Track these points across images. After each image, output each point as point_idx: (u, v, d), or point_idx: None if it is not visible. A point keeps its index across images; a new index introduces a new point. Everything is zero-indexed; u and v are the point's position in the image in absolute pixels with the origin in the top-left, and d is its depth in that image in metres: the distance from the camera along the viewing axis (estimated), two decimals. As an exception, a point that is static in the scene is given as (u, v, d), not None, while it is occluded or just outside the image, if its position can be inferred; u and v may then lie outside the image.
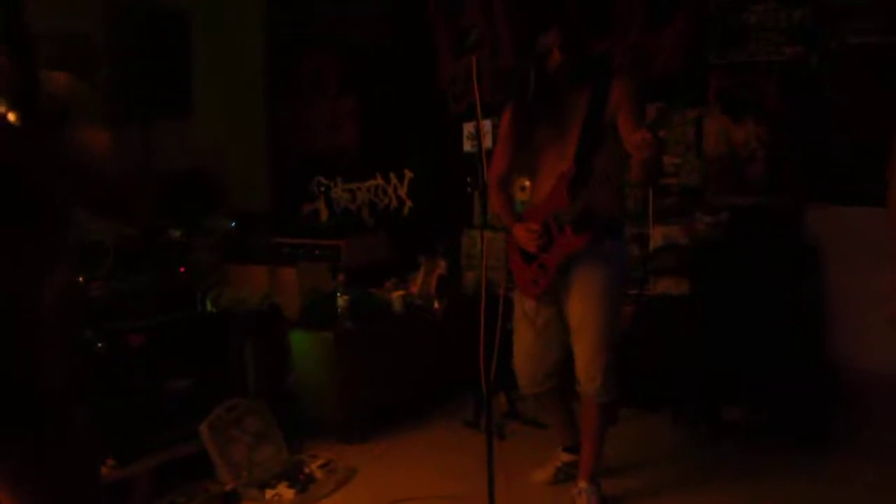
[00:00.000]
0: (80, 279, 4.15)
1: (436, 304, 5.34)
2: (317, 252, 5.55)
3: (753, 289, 4.50)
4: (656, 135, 3.10)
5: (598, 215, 3.53)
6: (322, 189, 6.41)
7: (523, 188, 4.41)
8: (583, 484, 3.78)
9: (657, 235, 5.03)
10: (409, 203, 6.04)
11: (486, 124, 5.18)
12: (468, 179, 4.28)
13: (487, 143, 5.01)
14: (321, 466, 4.26)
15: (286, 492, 3.99)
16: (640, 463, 4.29)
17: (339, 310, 4.87)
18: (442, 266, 5.46)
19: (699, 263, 4.88)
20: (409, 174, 6.01)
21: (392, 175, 6.11)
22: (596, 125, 3.50)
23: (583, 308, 3.61)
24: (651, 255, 5.05)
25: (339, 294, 4.90)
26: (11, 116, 1.45)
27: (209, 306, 4.66)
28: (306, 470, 4.22)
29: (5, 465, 1.82)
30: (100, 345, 4.01)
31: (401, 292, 5.31)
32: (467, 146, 5.68)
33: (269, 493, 3.99)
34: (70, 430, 1.89)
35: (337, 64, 6.34)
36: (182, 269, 4.52)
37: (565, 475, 4.02)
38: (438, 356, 5.15)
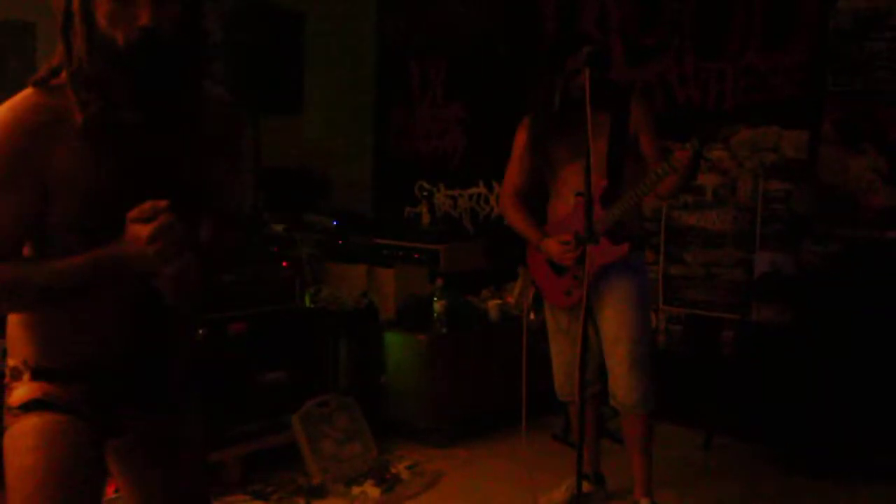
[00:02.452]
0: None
1: (531, 316, 5.30)
2: (416, 255, 5.58)
3: (863, 324, 4.35)
4: (697, 153, 3.22)
5: (628, 227, 3.62)
6: (425, 193, 6.44)
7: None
8: (643, 500, 3.74)
9: (762, 261, 4.91)
10: (510, 213, 6.01)
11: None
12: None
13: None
14: (408, 468, 4.28)
15: (372, 490, 4.00)
16: (724, 490, 4.19)
17: (435, 314, 4.87)
18: (540, 277, 5.41)
19: (807, 294, 4.74)
20: (512, 184, 5.99)
21: (495, 184, 6.09)
22: (622, 142, 3.61)
23: (618, 319, 3.64)
24: (755, 281, 4.92)
25: (435, 299, 4.91)
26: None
27: (307, 301, 4.72)
28: (393, 470, 4.24)
29: (129, 440, 1.87)
30: (200, 331, 4.10)
31: (497, 301, 5.29)
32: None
33: (355, 490, 4.01)
34: (191, 410, 1.95)
35: (446, 69, 6.38)
36: (285, 264, 4.58)
37: None
38: (531, 367, 5.11)
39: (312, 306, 4.73)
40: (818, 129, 4.73)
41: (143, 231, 1.56)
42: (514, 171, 3.88)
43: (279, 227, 5.66)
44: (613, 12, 5.42)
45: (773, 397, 4.58)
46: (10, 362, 1.79)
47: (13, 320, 1.80)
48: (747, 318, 4.91)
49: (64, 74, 1.63)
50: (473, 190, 6.23)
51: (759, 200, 4.91)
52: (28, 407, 1.73)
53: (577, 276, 3.66)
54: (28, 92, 1.66)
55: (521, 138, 3.83)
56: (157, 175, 1.68)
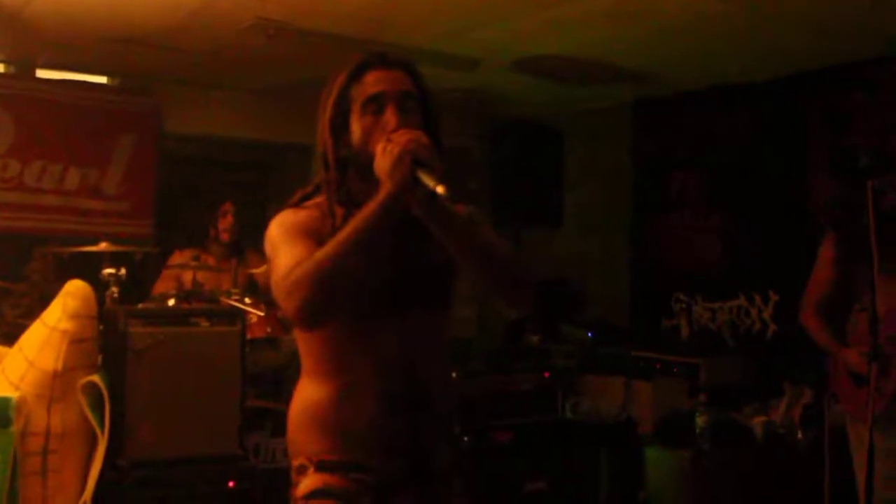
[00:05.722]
0: (453, 374, 4.39)
1: (799, 435, 5.07)
2: (674, 369, 5.49)
3: None
4: None
5: None
6: (682, 306, 6.35)
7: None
8: None
9: None
10: (773, 326, 5.82)
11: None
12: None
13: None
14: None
15: None
16: None
17: (698, 430, 4.75)
18: (808, 395, 5.18)
19: None
20: (774, 297, 5.81)
21: (756, 296, 5.93)
22: None
23: None
24: None
25: (698, 413, 4.79)
26: (440, 189, 1.72)
27: (568, 412, 4.74)
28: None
29: None
30: (465, 439, 4.21)
31: (762, 418, 5.09)
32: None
33: None
34: (459, 490, 2.06)
35: (703, 180, 6.33)
36: (546, 374, 4.64)
37: None
38: (800, 491, 4.86)
39: (573, 417, 4.75)
40: None
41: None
42: (817, 286, 3.87)
43: (534, 338, 5.76)
44: (888, 117, 5.20)
45: None
46: (294, 462, 1.99)
47: (293, 424, 2.00)
48: None
49: (315, 198, 1.97)
50: (733, 302, 6.08)
51: None
52: (312, 496, 1.92)
53: (878, 390, 3.52)
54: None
55: (825, 255, 3.83)
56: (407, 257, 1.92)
